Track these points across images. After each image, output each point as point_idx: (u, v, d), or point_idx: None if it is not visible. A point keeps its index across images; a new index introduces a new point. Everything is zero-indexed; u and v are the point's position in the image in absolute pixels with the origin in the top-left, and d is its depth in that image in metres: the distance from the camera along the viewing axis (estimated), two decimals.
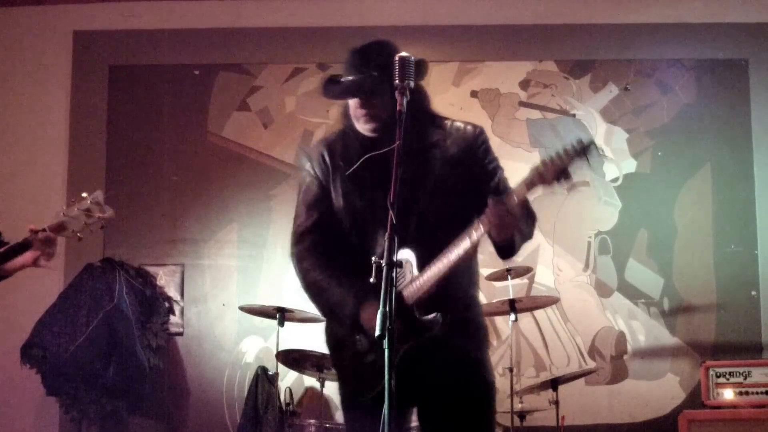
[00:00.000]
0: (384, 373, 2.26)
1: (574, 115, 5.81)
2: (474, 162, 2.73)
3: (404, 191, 2.56)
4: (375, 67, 2.63)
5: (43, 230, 3.13)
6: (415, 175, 2.66)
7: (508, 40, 5.90)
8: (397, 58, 2.52)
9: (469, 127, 2.78)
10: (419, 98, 2.71)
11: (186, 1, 6.00)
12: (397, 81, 2.49)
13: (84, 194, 3.18)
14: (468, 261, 2.67)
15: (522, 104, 5.83)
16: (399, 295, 2.53)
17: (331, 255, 2.79)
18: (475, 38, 5.80)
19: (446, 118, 2.80)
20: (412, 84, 2.50)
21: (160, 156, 5.86)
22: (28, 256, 3.18)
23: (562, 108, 5.82)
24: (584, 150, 2.45)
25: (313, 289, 2.79)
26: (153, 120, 5.91)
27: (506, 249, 2.66)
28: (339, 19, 5.80)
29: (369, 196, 2.65)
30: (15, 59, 5.98)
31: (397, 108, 2.47)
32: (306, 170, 2.87)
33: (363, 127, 2.70)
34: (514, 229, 2.54)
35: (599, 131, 5.78)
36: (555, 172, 2.46)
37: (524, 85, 5.85)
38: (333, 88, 2.70)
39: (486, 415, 2.71)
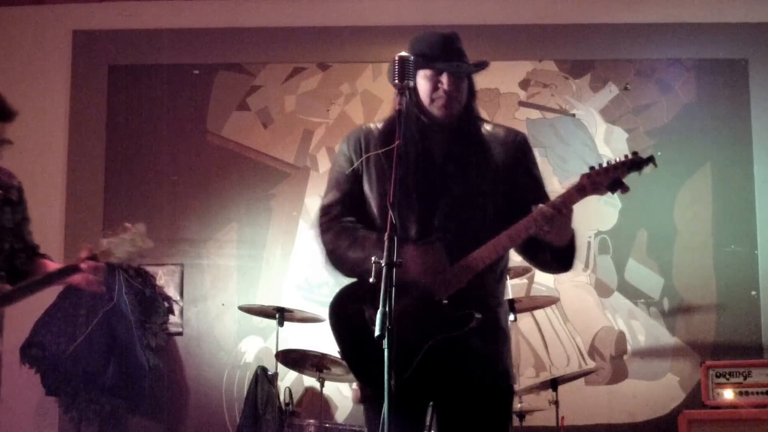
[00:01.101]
0: (403, 364, 2.26)
1: (573, 115, 5.81)
2: (513, 169, 2.73)
3: (442, 184, 2.61)
4: (463, 56, 2.76)
5: (94, 257, 3.25)
6: (456, 171, 2.66)
7: (508, 40, 5.90)
8: (397, 58, 2.52)
9: (510, 134, 2.80)
10: (471, 95, 2.80)
11: (185, 1, 6.00)
12: (397, 81, 2.49)
13: (127, 224, 3.32)
14: (500, 259, 2.69)
15: (522, 104, 5.83)
16: (429, 288, 2.51)
17: (356, 229, 2.73)
18: (475, 38, 5.78)
19: (488, 121, 2.85)
20: (411, 84, 2.50)
21: (159, 156, 5.86)
22: (75, 278, 3.28)
23: (561, 108, 5.81)
24: (642, 163, 2.48)
25: (337, 257, 2.72)
26: (152, 120, 5.91)
27: (565, 255, 2.66)
28: (339, 19, 5.80)
29: (402, 185, 2.54)
30: (15, 59, 5.97)
31: (396, 108, 2.47)
32: (341, 150, 2.85)
33: (437, 111, 2.69)
34: (570, 231, 2.56)
35: (599, 131, 5.78)
36: (609, 181, 2.48)
37: (524, 84, 5.84)
38: (421, 63, 2.69)
39: (502, 420, 2.70)
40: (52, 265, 3.42)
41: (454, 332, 2.52)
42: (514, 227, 2.56)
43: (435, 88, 2.70)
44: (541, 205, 2.52)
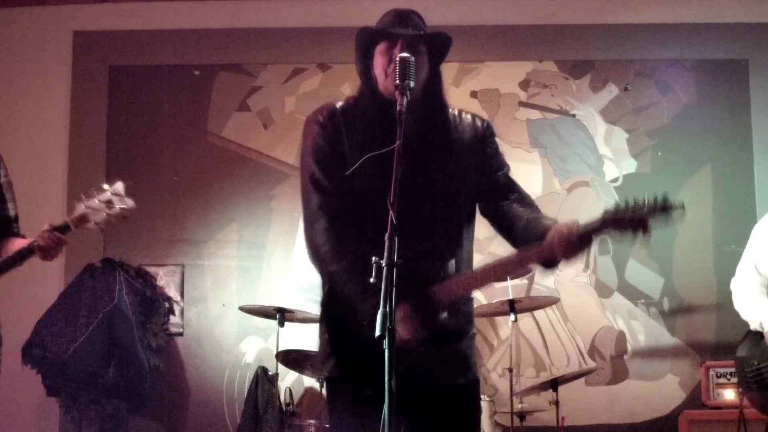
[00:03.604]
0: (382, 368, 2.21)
1: (574, 116, 5.81)
2: (482, 154, 2.70)
3: (416, 172, 2.54)
4: (420, 29, 2.65)
5: (50, 230, 3.04)
6: (429, 158, 2.60)
7: (508, 40, 5.90)
8: (397, 59, 2.51)
9: (477, 119, 2.76)
10: (438, 79, 2.69)
11: (186, 1, 6.00)
12: (397, 81, 2.48)
13: (105, 186, 3.12)
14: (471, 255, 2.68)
15: (522, 104, 5.83)
16: (427, 295, 2.47)
17: (349, 234, 2.59)
18: (475, 38, 5.80)
19: (453, 108, 2.75)
20: (412, 84, 2.49)
21: (160, 156, 5.86)
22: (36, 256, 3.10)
23: (562, 108, 5.82)
24: (670, 209, 2.41)
25: (331, 273, 2.57)
26: (153, 120, 5.91)
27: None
28: (339, 19, 5.80)
29: (385, 175, 2.39)
30: (15, 59, 5.98)
31: (398, 108, 2.44)
32: (311, 128, 2.68)
33: (392, 85, 2.50)
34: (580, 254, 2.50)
35: (599, 131, 5.78)
36: (634, 222, 2.41)
37: (524, 85, 5.85)
38: (378, 33, 2.65)
39: (474, 416, 2.68)
40: (18, 245, 3.19)
41: (443, 346, 2.51)
42: (526, 251, 2.51)
43: (390, 60, 2.57)
44: (560, 227, 2.46)
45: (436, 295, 2.48)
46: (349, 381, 2.58)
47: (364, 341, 2.48)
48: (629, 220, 2.42)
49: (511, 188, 2.73)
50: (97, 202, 3.09)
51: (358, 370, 2.55)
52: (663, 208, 2.43)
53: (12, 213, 3.34)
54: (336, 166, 2.61)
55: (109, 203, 3.10)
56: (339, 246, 2.55)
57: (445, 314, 2.50)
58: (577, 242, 2.44)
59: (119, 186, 3.15)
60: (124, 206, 3.13)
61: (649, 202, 2.42)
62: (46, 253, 3.07)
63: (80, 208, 3.07)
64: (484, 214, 2.74)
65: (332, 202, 2.60)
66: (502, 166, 2.74)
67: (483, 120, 2.78)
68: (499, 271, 2.53)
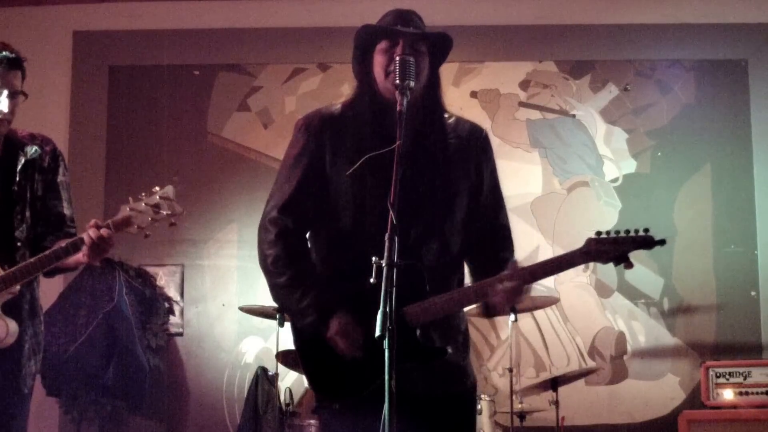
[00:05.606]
0: (361, 378, 2.22)
1: (573, 116, 5.81)
2: (476, 162, 2.67)
3: (418, 183, 2.52)
4: (421, 28, 2.64)
5: (96, 228, 2.82)
6: (425, 164, 2.58)
7: (508, 40, 5.91)
8: (397, 59, 2.51)
9: (476, 127, 2.74)
10: (437, 82, 2.67)
11: (186, 1, 6.00)
12: (397, 81, 2.47)
13: (155, 188, 2.91)
14: (460, 267, 2.67)
15: (522, 104, 5.83)
16: (402, 313, 2.42)
17: (305, 246, 2.64)
18: (475, 38, 5.80)
19: (451, 114, 2.73)
20: (412, 84, 2.48)
21: (160, 156, 5.87)
22: (80, 255, 2.89)
23: (561, 108, 5.82)
24: (653, 243, 2.44)
25: (272, 282, 2.62)
26: (153, 120, 5.91)
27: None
28: (339, 19, 5.80)
29: (382, 179, 2.39)
30: None
31: (398, 108, 2.44)
32: (297, 136, 2.74)
33: (392, 85, 2.50)
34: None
35: (599, 132, 5.78)
36: (614, 255, 2.46)
37: (524, 85, 5.85)
38: (379, 30, 2.63)
39: (468, 421, 2.68)
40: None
41: (424, 362, 2.49)
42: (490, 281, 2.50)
43: (391, 59, 2.55)
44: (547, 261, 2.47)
45: (409, 316, 2.45)
46: (320, 395, 2.60)
47: (326, 357, 2.51)
48: (611, 256, 2.48)
49: (496, 209, 2.71)
50: (143, 205, 2.86)
51: (324, 385, 2.57)
52: (644, 243, 2.46)
53: (67, 212, 3.17)
54: (312, 178, 2.65)
55: (156, 207, 2.86)
56: (283, 260, 2.57)
57: (418, 331, 2.47)
58: (516, 288, 2.45)
59: (170, 190, 2.90)
60: (172, 212, 2.87)
61: (631, 237, 2.46)
62: (93, 251, 2.84)
63: (124, 211, 2.85)
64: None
65: (299, 223, 2.62)
66: (492, 181, 2.70)
67: (482, 129, 2.75)
68: (471, 295, 2.53)
